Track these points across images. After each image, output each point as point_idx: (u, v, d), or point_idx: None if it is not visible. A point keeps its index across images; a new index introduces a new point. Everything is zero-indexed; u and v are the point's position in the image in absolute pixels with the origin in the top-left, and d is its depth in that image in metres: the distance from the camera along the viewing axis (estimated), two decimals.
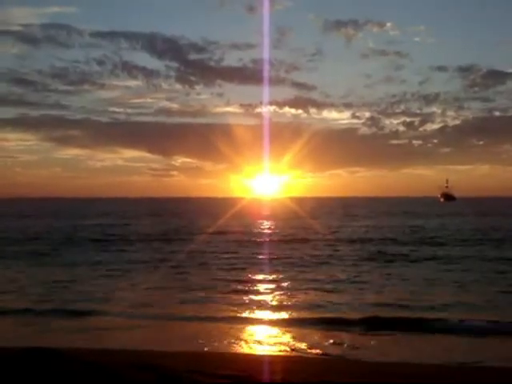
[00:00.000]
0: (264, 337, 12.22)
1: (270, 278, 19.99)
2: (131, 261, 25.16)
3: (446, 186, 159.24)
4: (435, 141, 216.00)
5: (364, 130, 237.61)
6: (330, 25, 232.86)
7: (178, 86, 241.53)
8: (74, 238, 36.95)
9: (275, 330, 12.69)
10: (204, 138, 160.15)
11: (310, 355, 10.53)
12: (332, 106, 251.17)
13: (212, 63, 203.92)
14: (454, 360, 10.06)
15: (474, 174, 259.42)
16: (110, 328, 12.94)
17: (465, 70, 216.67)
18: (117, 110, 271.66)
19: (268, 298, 16.38)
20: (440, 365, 9.72)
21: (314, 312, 14.24)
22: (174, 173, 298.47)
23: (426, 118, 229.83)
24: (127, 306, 15.11)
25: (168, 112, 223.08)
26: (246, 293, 17.08)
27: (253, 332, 12.62)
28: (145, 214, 78.79)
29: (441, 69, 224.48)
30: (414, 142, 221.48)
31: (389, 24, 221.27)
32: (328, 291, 17.21)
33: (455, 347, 11.38)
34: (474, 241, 34.28)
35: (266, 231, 45.69)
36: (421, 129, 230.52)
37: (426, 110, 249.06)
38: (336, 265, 23.37)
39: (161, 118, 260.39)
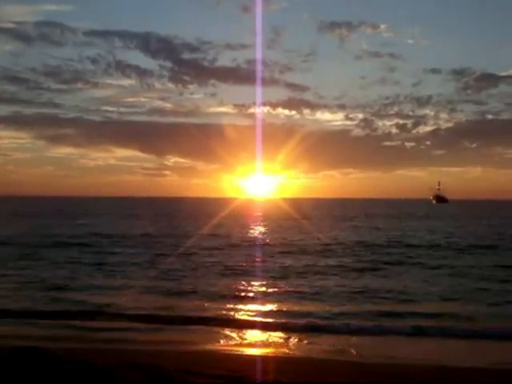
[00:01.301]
0: (254, 338, 12.29)
1: (256, 284, 19.31)
2: (118, 263, 24.56)
3: (438, 188, 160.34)
4: (428, 143, 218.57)
5: (357, 132, 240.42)
6: (325, 26, 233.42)
7: (172, 86, 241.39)
8: (59, 239, 35.45)
9: (265, 333, 12.70)
10: (197, 138, 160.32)
11: (300, 356, 10.62)
12: (325, 107, 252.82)
13: (206, 63, 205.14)
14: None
15: (466, 177, 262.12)
16: (104, 328, 12.96)
17: (458, 73, 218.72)
18: (110, 108, 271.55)
19: (255, 302, 16.23)
20: (427, 365, 9.85)
21: (298, 318, 14.03)
22: (167, 172, 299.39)
23: (419, 120, 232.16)
24: (119, 307, 15.14)
25: (161, 111, 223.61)
26: (231, 297, 16.78)
27: (243, 333, 12.66)
28: (134, 214, 77.72)
29: (434, 71, 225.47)
30: (407, 143, 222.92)
31: (383, 26, 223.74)
32: (310, 298, 16.81)
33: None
34: (464, 246, 33.57)
35: (255, 235, 43.56)
36: (414, 131, 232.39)
37: (419, 112, 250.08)
38: (324, 273, 22.16)
39: (154, 118, 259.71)
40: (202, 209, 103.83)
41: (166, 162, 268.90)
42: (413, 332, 12.57)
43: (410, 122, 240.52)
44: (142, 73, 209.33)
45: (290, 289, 18.31)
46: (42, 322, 13.51)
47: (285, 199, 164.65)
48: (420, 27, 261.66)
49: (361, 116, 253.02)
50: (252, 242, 36.16)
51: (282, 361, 9.99)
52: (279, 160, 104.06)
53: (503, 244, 34.76)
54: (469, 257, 27.92)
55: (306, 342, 11.79)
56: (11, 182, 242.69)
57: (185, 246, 31.68)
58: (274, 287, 18.62)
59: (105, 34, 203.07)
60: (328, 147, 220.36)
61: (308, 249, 31.49)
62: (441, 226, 54.90)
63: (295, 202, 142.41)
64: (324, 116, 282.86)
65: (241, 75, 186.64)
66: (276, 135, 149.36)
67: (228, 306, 15.57)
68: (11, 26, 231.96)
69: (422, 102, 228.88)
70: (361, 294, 17.30)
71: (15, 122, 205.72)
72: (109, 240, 36.08)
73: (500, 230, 48.39)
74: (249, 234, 44.06)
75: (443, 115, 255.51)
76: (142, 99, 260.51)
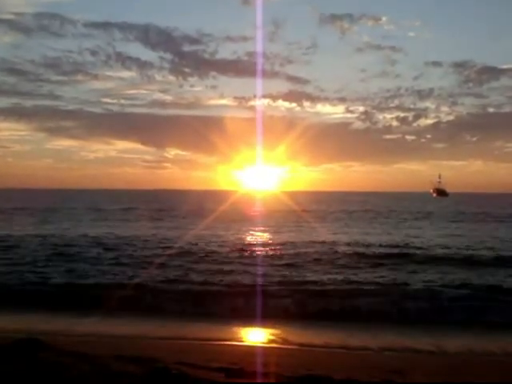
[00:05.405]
0: (254, 330, 12.13)
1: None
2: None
3: (439, 182, 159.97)
4: (429, 136, 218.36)
5: (358, 125, 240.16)
6: (326, 18, 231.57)
7: (172, 78, 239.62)
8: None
9: (264, 324, 12.53)
10: (197, 131, 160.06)
11: (301, 348, 10.44)
12: (326, 100, 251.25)
13: (206, 55, 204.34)
14: None
15: (466, 170, 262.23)
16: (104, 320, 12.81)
17: (459, 66, 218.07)
18: (110, 101, 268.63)
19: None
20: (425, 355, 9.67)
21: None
22: (167, 165, 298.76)
23: (420, 114, 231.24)
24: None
25: (161, 104, 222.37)
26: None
27: (243, 325, 12.49)
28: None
29: (435, 64, 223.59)
30: (408, 137, 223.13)
31: (384, 18, 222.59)
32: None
33: None
34: None
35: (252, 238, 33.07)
36: (414, 124, 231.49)
37: (420, 105, 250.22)
38: None
39: (154, 110, 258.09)
40: (201, 201, 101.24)
41: (166, 155, 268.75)
42: None
43: (410, 115, 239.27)
44: (142, 65, 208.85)
45: None
46: None
47: (285, 192, 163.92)
48: (421, 20, 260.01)
49: (361, 109, 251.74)
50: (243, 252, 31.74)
51: (283, 353, 9.81)
52: (280, 153, 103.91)
53: None
54: None
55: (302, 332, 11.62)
56: (10, 174, 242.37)
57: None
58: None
59: (105, 26, 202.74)
60: (328, 140, 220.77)
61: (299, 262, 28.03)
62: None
63: (295, 196, 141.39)
64: (324, 109, 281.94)
65: (241, 68, 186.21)
66: (276, 128, 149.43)
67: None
68: (10, 17, 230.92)
69: (423, 95, 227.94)
70: None
71: (15, 113, 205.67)
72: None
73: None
74: (241, 241, 38.29)
75: (444, 108, 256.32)
76: (143, 91, 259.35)
